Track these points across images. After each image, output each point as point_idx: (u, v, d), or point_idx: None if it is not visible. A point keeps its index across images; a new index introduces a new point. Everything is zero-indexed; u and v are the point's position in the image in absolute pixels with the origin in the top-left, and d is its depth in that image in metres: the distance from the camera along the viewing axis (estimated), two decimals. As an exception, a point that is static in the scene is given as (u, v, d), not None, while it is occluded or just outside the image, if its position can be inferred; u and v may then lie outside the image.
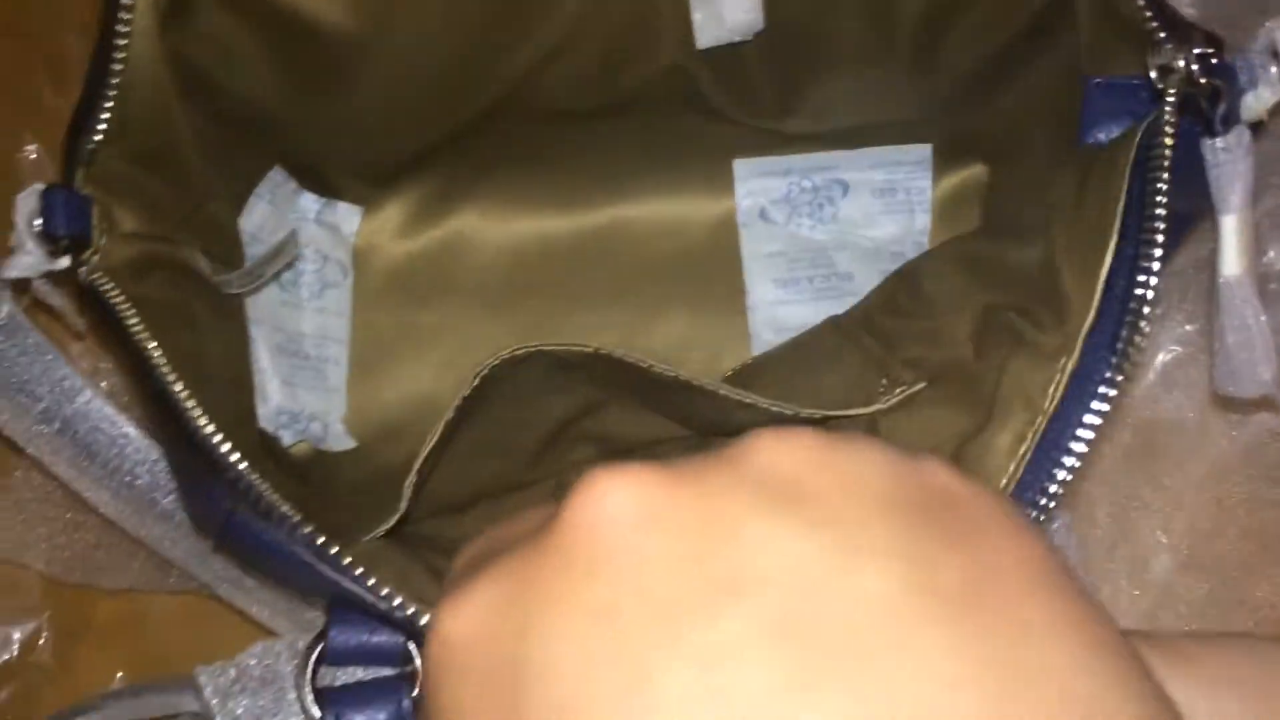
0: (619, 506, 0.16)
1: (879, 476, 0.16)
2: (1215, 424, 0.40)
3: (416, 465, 0.29)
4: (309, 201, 0.41)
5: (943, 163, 0.41)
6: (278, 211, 0.40)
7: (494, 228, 0.42)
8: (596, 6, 0.33)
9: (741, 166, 0.42)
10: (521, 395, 0.32)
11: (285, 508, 0.25)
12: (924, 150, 0.41)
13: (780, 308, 0.42)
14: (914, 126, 0.41)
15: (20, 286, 0.30)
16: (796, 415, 0.30)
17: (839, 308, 0.39)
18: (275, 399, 0.40)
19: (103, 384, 0.39)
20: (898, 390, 0.31)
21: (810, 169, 0.42)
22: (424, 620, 0.24)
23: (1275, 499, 0.39)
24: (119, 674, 0.40)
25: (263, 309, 0.39)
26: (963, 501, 0.17)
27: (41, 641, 0.41)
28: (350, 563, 0.25)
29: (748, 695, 0.14)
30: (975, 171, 0.41)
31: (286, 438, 0.40)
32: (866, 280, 0.42)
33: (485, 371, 0.30)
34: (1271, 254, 0.40)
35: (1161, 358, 0.41)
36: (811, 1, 0.33)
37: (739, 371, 0.39)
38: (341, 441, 0.41)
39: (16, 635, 0.40)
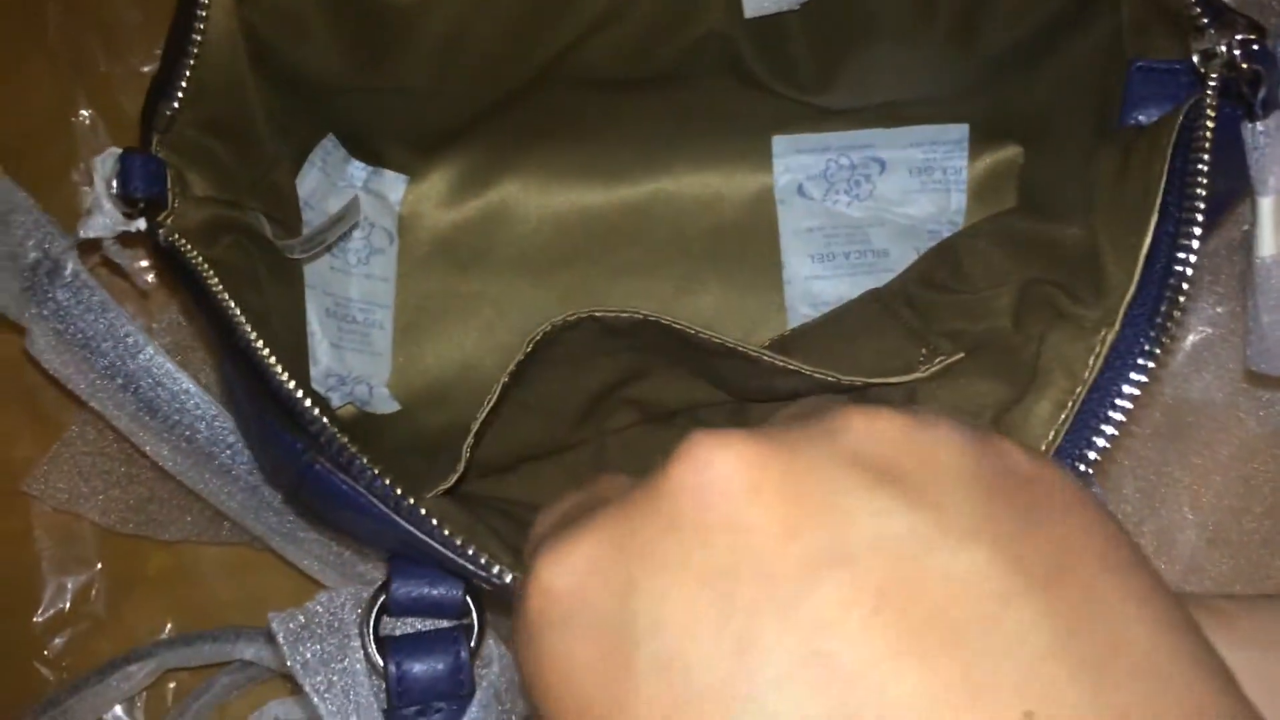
0: (725, 474, 0.17)
1: (962, 457, 0.17)
2: (1244, 404, 0.41)
3: (474, 428, 0.30)
4: (357, 169, 0.42)
5: (979, 143, 0.42)
6: (329, 178, 0.41)
7: (536, 198, 0.43)
8: None
9: (780, 142, 0.43)
10: (568, 360, 0.33)
11: (364, 459, 0.26)
12: (961, 130, 0.42)
13: (816, 282, 0.43)
14: (951, 106, 0.41)
15: (89, 246, 0.31)
16: (838, 382, 0.31)
17: (874, 283, 0.40)
18: (325, 361, 0.41)
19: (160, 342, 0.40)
20: (937, 360, 0.31)
21: (848, 146, 0.43)
22: (495, 570, 0.26)
23: (1300, 478, 0.40)
24: (169, 624, 0.42)
25: (313, 274, 0.41)
26: (1036, 480, 0.18)
27: (94, 592, 0.42)
28: (426, 513, 0.26)
29: (849, 661, 0.15)
30: (1011, 152, 0.42)
31: (335, 400, 0.41)
32: (902, 257, 0.42)
33: (539, 337, 0.31)
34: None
35: (1192, 339, 0.41)
36: None
37: (778, 340, 0.40)
38: (386, 404, 0.42)
39: (70, 585, 0.42)
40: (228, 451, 0.33)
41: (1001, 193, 0.42)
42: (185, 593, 0.42)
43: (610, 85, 0.39)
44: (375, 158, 0.42)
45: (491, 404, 0.30)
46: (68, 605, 0.42)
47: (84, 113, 0.43)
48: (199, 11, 0.28)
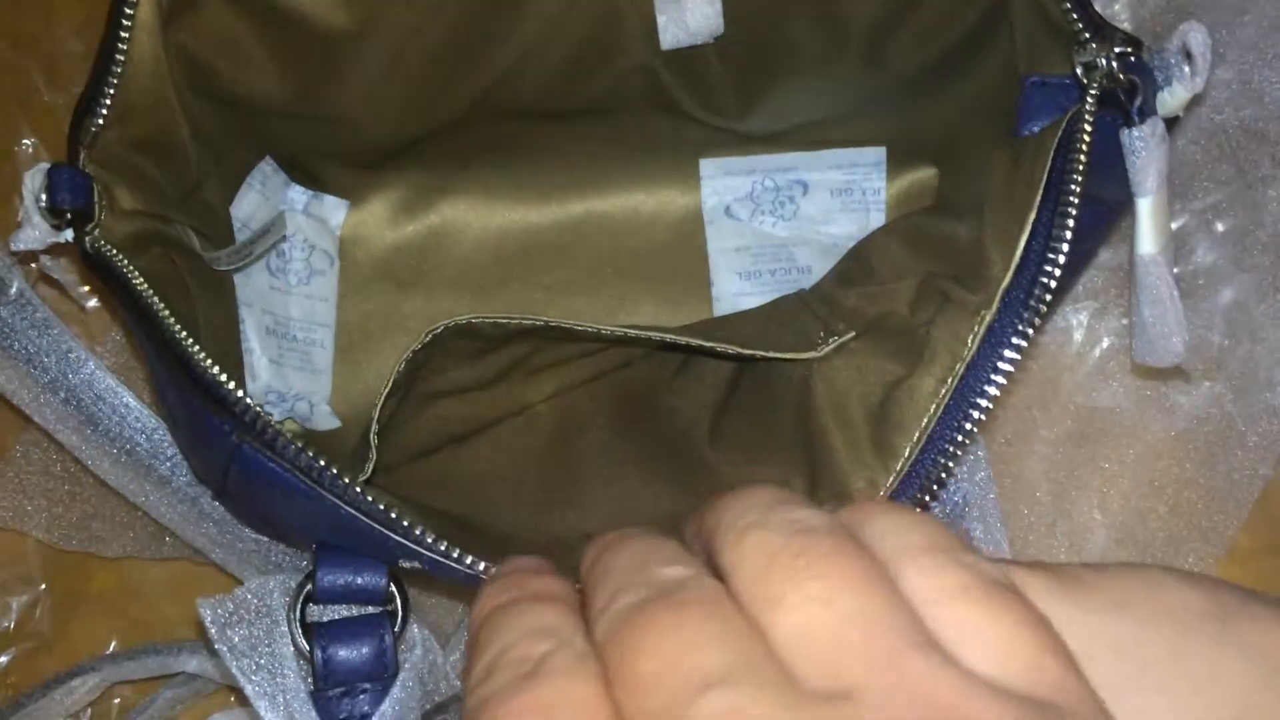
0: None
1: None
2: (1149, 411, 0.43)
3: (375, 414, 0.32)
4: (297, 193, 0.44)
5: (896, 165, 0.44)
6: (268, 201, 0.42)
7: (473, 220, 0.45)
8: (566, 11, 0.35)
9: (707, 165, 0.45)
10: (469, 352, 0.35)
11: (288, 435, 0.27)
12: (879, 152, 0.44)
13: (743, 299, 0.45)
14: (869, 129, 0.43)
15: (28, 262, 0.32)
16: (739, 354, 0.33)
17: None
18: (264, 378, 0.42)
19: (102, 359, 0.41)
20: (832, 340, 0.34)
21: (772, 169, 0.45)
22: (419, 531, 0.27)
23: (1200, 480, 0.42)
24: (114, 641, 0.42)
25: (253, 293, 0.42)
26: None
27: (39, 611, 0.43)
28: (350, 482, 0.27)
29: None
30: (926, 174, 0.44)
31: (275, 416, 0.42)
32: (824, 273, 0.44)
33: (438, 330, 0.33)
34: (1200, 252, 0.43)
35: (1100, 349, 0.43)
36: (767, 7, 0.36)
37: (708, 321, 0.42)
38: (327, 421, 0.43)
39: (15, 604, 0.43)
40: (168, 464, 0.34)
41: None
42: (130, 609, 0.43)
43: (542, 115, 0.41)
44: (315, 181, 0.44)
45: (388, 391, 0.32)
46: (12, 624, 0.42)
47: (26, 141, 0.44)
48: (121, 33, 0.29)
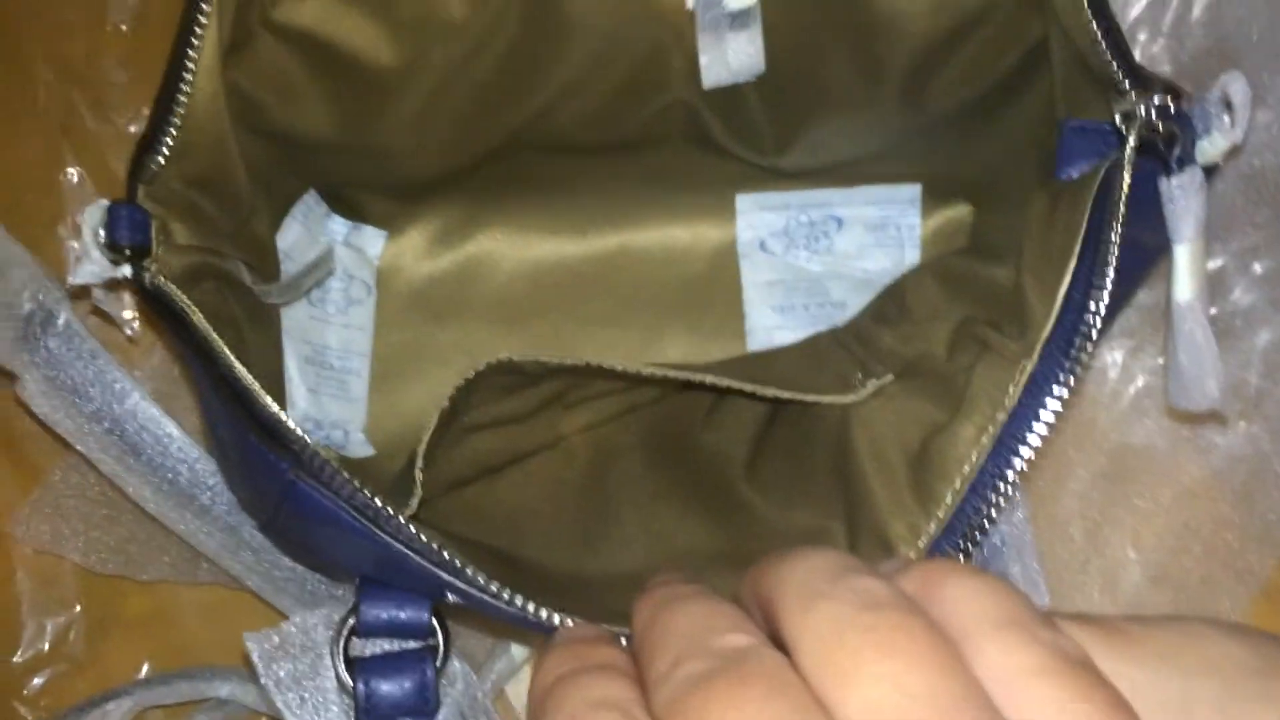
0: None
1: None
2: (1184, 450, 0.42)
3: (421, 450, 0.32)
4: (338, 224, 0.44)
5: (931, 201, 0.44)
6: (309, 233, 0.43)
7: (509, 252, 0.45)
8: (611, 48, 0.36)
9: (743, 200, 0.45)
10: (506, 387, 0.35)
11: (345, 473, 0.28)
12: (914, 189, 0.44)
13: (777, 333, 0.45)
14: (905, 166, 0.43)
15: (79, 294, 0.33)
16: (778, 397, 0.33)
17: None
18: (302, 406, 0.42)
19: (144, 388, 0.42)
20: (870, 382, 0.34)
21: (807, 204, 0.45)
22: (469, 571, 0.27)
23: (1236, 520, 0.42)
24: (146, 665, 0.43)
25: (293, 322, 0.42)
26: None
27: (73, 633, 0.43)
28: (405, 522, 0.27)
29: None
30: (962, 211, 0.44)
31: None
32: (858, 309, 0.44)
33: (482, 368, 0.33)
34: (1237, 292, 0.43)
35: (1135, 387, 0.43)
36: (807, 50, 0.36)
37: (735, 360, 0.42)
38: (361, 449, 0.44)
39: (49, 626, 0.43)
40: (208, 493, 0.35)
41: (953, 248, 0.44)
42: (163, 633, 0.43)
43: (580, 148, 0.41)
44: (355, 211, 0.44)
45: (432, 432, 0.32)
46: (47, 646, 0.43)
47: (71, 170, 0.45)
48: (185, 75, 0.30)
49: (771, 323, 0.45)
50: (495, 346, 0.45)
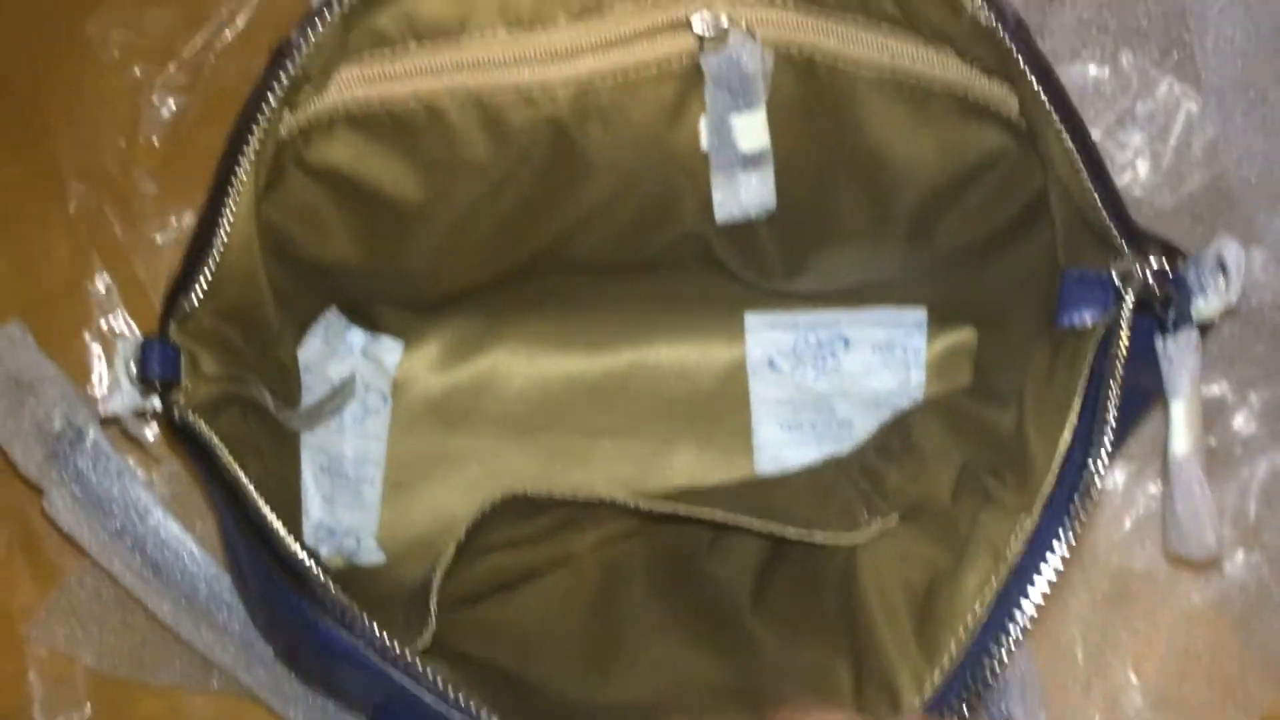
0: None
1: None
2: (1185, 576, 0.43)
3: (435, 583, 0.33)
4: (356, 336, 0.45)
5: (937, 324, 0.45)
6: (329, 345, 0.44)
7: (523, 364, 0.46)
8: (628, 186, 0.37)
9: (752, 319, 0.46)
10: (519, 513, 0.36)
11: (364, 616, 0.28)
12: (920, 313, 0.45)
13: (784, 449, 0.46)
14: (911, 291, 0.44)
15: (108, 418, 0.34)
16: (783, 534, 0.34)
17: (839, 451, 0.43)
18: (316, 515, 0.43)
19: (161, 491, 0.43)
20: (875, 521, 0.34)
21: (815, 324, 0.46)
22: (482, 713, 0.28)
23: (1236, 647, 0.42)
24: (155, 770, 0.43)
25: (310, 432, 0.43)
26: None
27: (83, 735, 0.43)
28: (424, 669, 0.28)
29: None
30: (966, 334, 0.45)
31: (324, 551, 0.43)
32: (865, 427, 0.45)
33: (497, 501, 0.34)
34: (1237, 421, 0.43)
35: (1137, 512, 0.44)
36: (817, 189, 0.37)
37: (737, 485, 0.43)
38: (372, 556, 0.44)
39: (60, 727, 0.43)
40: (225, 610, 0.35)
41: (958, 370, 0.45)
42: (173, 740, 0.43)
43: (595, 270, 0.42)
44: (373, 322, 0.45)
45: (447, 562, 0.33)
46: (56, 748, 0.43)
47: (99, 278, 0.46)
48: (222, 221, 0.31)
49: (779, 440, 0.46)
50: (507, 456, 0.46)
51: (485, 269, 0.41)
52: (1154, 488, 0.44)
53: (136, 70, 0.48)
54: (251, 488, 0.30)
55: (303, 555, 0.29)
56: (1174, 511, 0.31)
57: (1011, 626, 0.29)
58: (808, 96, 0.35)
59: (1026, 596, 0.29)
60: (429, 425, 0.46)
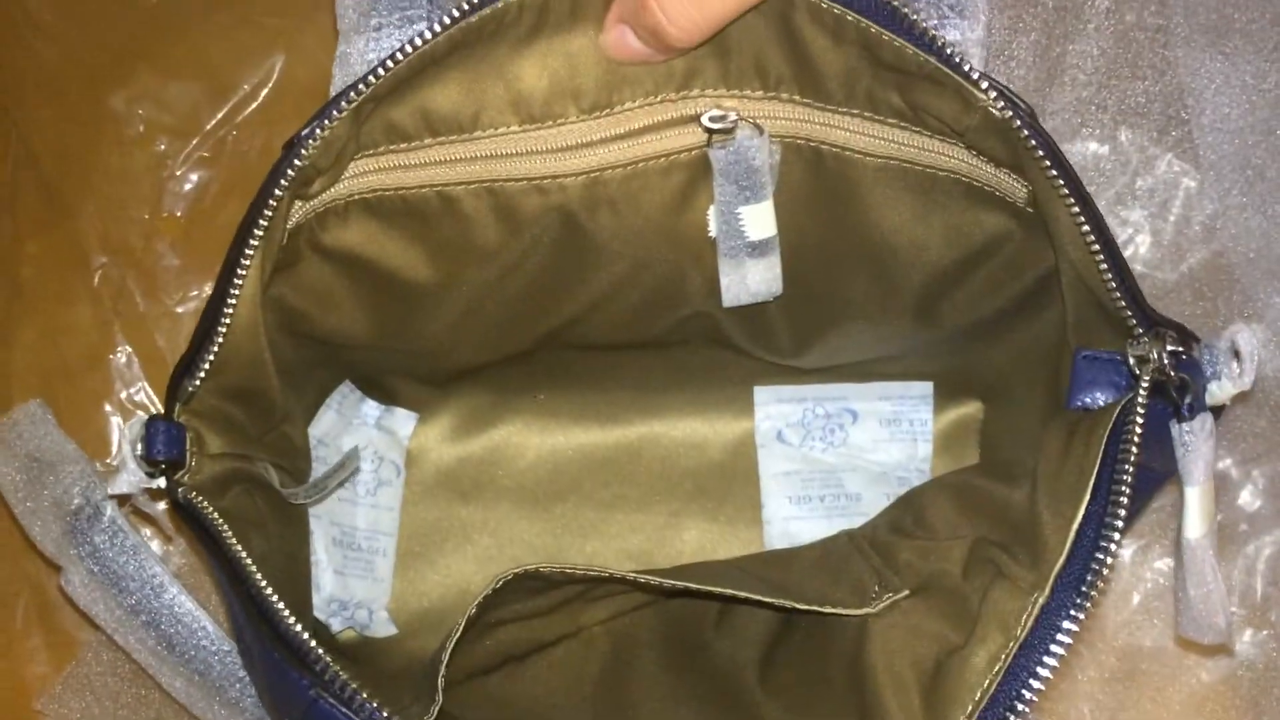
0: None
1: None
2: (1193, 654, 0.43)
3: (444, 658, 0.33)
4: (370, 408, 0.46)
5: (943, 399, 0.46)
6: (343, 418, 0.45)
7: (535, 437, 0.47)
8: (636, 271, 0.38)
9: (761, 393, 0.47)
10: (530, 589, 0.37)
11: (365, 694, 0.29)
12: (926, 387, 0.46)
13: (793, 522, 0.46)
14: (918, 366, 0.45)
15: (122, 497, 0.34)
16: (794, 608, 0.34)
17: (847, 524, 0.43)
18: (328, 588, 0.44)
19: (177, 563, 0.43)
20: (886, 596, 0.34)
21: (823, 398, 0.46)
22: None
23: (1247, 727, 0.42)
24: (164, 842, 0.43)
25: (322, 505, 0.44)
26: None
27: (94, 807, 0.44)
28: None
29: None
30: (973, 408, 0.45)
31: (336, 624, 0.44)
32: (873, 500, 0.46)
33: (509, 577, 0.34)
34: (1243, 497, 0.43)
35: (1145, 588, 0.44)
36: (825, 271, 0.38)
37: (749, 559, 0.43)
38: (384, 628, 0.45)
39: (71, 799, 0.44)
40: (237, 686, 0.36)
41: (965, 443, 0.46)
42: (182, 811, 0.43)
43: (606, 347, 0.43)
44: (388, 395, 0.46)
45: (456, 637, 0.33)
46: (67, 818, 0.43)
47: (121, 350, 0.47)
48: (227, 308, 0.32)
49: (787, 513, 0.46)
50: (519, 527, 0.46)
51: (498, 347, 0.42)
52: (1162, 564, 0.44)
53: (160, 145, 0.49)
54: (252, 565, 0.30)
55: (302, 632, 0.30)
56: (1186, 595, 0.31)
57: (1018, 704, 0.29)
58: (815, 183, 0.36)
59: (1035, 676, 0.29)
60: (442, 496, 0.47)
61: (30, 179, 0.49)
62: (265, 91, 0.50)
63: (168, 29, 0.50)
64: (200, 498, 0.32)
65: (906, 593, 0.35)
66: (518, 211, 0.35)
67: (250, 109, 0.50)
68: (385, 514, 0.46)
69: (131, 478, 0.32)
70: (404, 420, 0.46)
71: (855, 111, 0.33)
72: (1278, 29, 0.40)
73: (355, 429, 0.45)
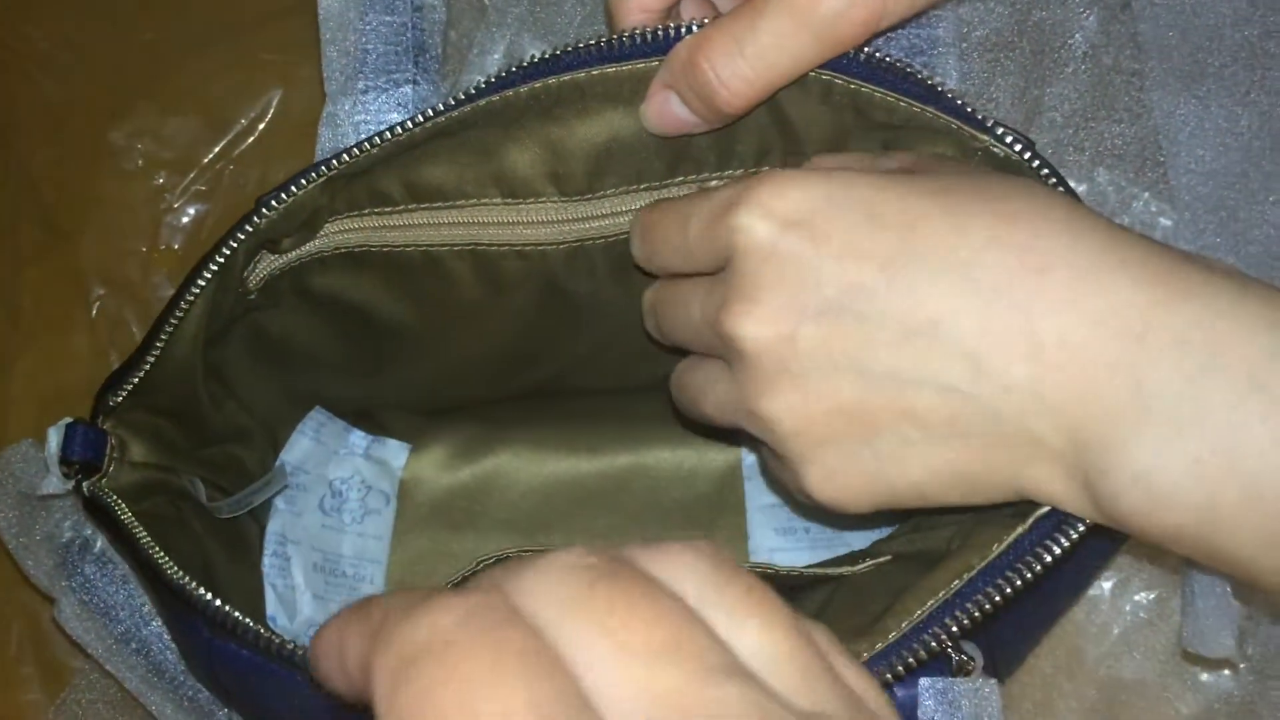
0: None
1: None
2: (1172, 686, 0.43)
3: None
4: (358, 438, 0.47)
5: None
6: (324, 446, 0.45)
7: (526, 467, 0.48)
8: (619, 329, 0.39)
9: (748, 425, 0.47)
10: None
11: (249, 621, 0.30)
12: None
13: (777, 554, 0.46)
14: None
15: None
16: (776, 572, 0.35)
17: (830, 556, 0.44)
18: (306, 612, 0.44)
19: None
20: (867, 560, 0.36)
21: (809, 430, 0.47)
22: None
23: (1225, 760, 0.43)
24: None
25: (303, 531, 0.44)
26: None
27: (85, 832, 0.44)
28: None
29: None
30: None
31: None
32: (857, 535, 0.46)
33: (489, 559, 0.35)
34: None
35: (1124, 621, 0.44)
36: None
37: None
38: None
39: (61, 824, 0.44)
40: (224, 711, 0.36)
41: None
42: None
43: (594, 392, 0.44)
44: (380, 427, 0.47)
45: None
46: (57, 845, 0.44)
47: (117, 377, 0.48)
48: (160, 338, 0.33)
49: (773, 544, 0.47)
50: (510, 548, 0.47)
51: (483, 391, 0.43)
52: (1140, 597, 0.44)
53: (159, 178, 0.50)
54: (141, 533, 0.32)
55: (188, 579, 0.31)
56: (1194, 607, 0.31)
57: (953, 625, 0.29)
58: None
59: (986, 596, 0.29)
60: (433, 525, 0.47)
61: (30, 210, 0.50)
62: (262, 126, 0.51)
63: (167, 64, 0.51)
64: (106, 493, 0.33)
65: (889, 557, 0.36)
66: (501, 274, 0.36)
67: (247, 143, 0.51)
68: (373, 542, 0.47)
69: (54, 479, 0.33)
70: (397, 451, 0.47)
71: None
72: (1250, 74, 0.41)
73: (342, 459, 0.46)
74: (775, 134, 0.33)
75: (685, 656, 0.17)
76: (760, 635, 0.18)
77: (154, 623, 0.36)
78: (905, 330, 0.28)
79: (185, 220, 0.50)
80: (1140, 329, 0.26)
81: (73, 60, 0.51)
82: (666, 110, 0.32)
